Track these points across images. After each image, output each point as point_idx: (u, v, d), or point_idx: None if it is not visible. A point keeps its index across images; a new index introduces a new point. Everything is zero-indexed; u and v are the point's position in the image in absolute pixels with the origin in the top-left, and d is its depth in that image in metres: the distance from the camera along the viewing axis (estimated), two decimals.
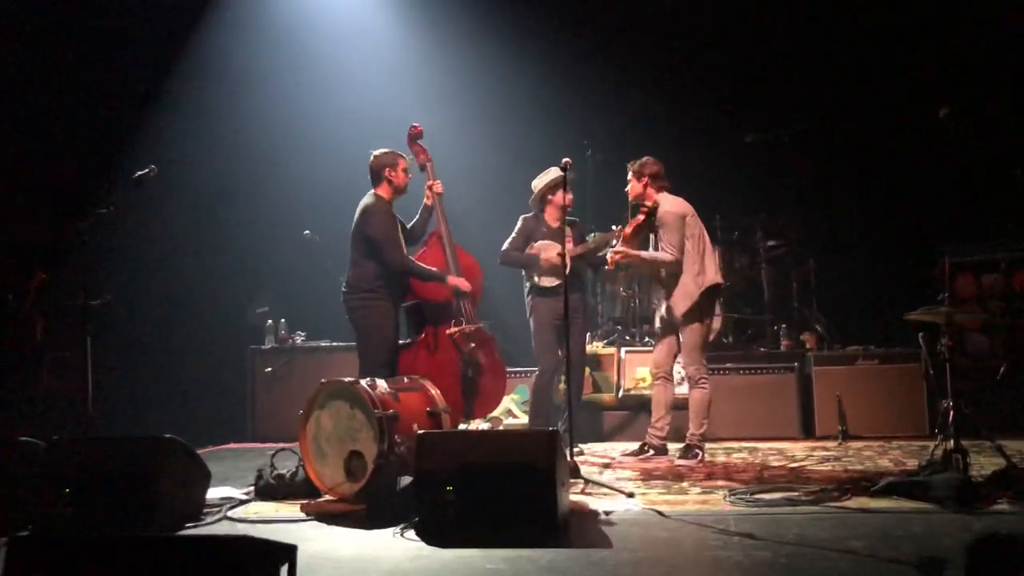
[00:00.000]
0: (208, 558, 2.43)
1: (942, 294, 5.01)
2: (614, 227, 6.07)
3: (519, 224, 6.27)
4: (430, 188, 5.89)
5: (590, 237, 6.41)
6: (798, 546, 3.58)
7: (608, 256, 5.80)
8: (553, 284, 6.05)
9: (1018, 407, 6.39)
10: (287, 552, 2.61)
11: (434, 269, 5.68)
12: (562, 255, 5.36)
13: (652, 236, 5.85)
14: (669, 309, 5.78)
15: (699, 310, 5.68)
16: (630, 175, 5.87)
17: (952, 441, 4.53)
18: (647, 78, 8.42)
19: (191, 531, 4.15)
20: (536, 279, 6.17)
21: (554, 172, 6.07)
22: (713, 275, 5.74)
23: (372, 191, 5.68)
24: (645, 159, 5.85)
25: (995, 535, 1.81)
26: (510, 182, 6.18)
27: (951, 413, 4.60)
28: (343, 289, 5.64)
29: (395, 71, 8.51)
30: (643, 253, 5.81)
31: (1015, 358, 6.61)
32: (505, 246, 6.22)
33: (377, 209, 5.58)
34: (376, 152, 5.70)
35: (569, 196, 5.91)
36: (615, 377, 7.27)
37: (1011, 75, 7.37)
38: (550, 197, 6.17)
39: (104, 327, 5.98)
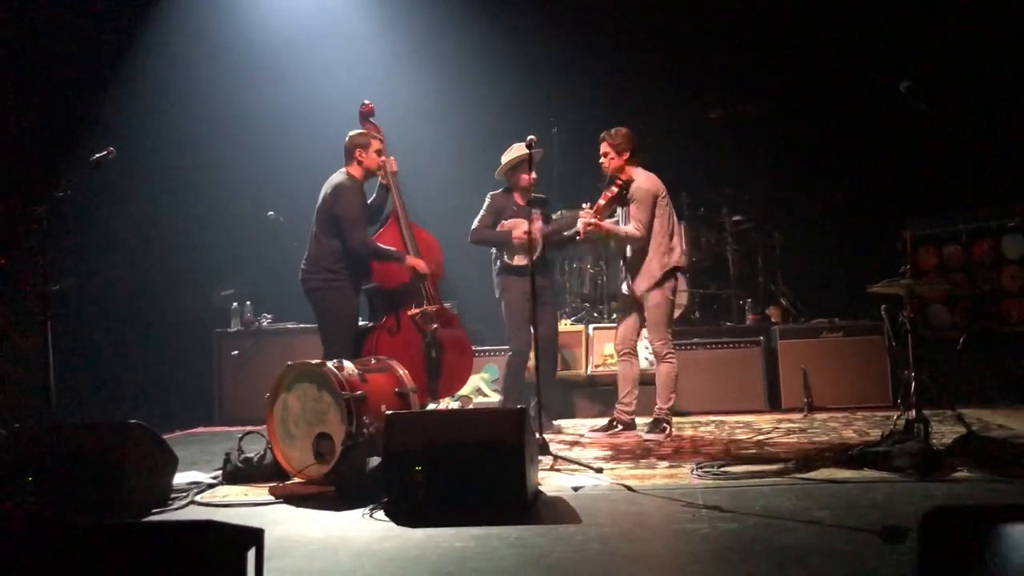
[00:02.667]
0: (171, 544, 2.40)
1: (904, 267, 5.06)
2: (584, 206, 6.06)
3: (487, 201, 6.18)
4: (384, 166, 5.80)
5: (556, 215, 6.39)
6: (764, 517, 3.62)
7: (579, 225, 5.79)
8: (525, 263, 5.96)
9: (978, 377, 6.51)
10: (254, 536, 2.58)
11: (393, 249, 5.63)
12: (528, 233, 5.34)
13: (621, 209, 5.86)
14: (631, 286, 5.80)
15: (662, 287, 5.71)
16: (606, 147, 5.80)
17: (914, 411, 4.60)
18: (612, 55, 8.41)
19: (157, 517, 4.11)
20: (507, 258, 6.10)
21: (519, 148, 6.03)
22: (678, 257, 5.76)
23: (343, 169, 5.62)
24: (622, 130, 5.79)
25: (946, 507, 1.83)
26: (473, 159, 6.14)
27: (913, 384, 4.67)
28: (302, 267, 5.57)
29: (356, 48, 8.43)
30: (612, 227, 5.81)
31: (975, 329, 6.72)
32: (475, 224, 6.13)
33: (348, 188, 5.51)
34: (352, 132, 5.65)
35: (533, 176, 5.89)
36: (583, 354, 7.29)
37: (970, 48, 7.44)
38: (514, 175, 6.12)
39: (65, 312, 5.89)
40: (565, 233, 6.19)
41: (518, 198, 6.15)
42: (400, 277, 5.65)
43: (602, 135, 5.83)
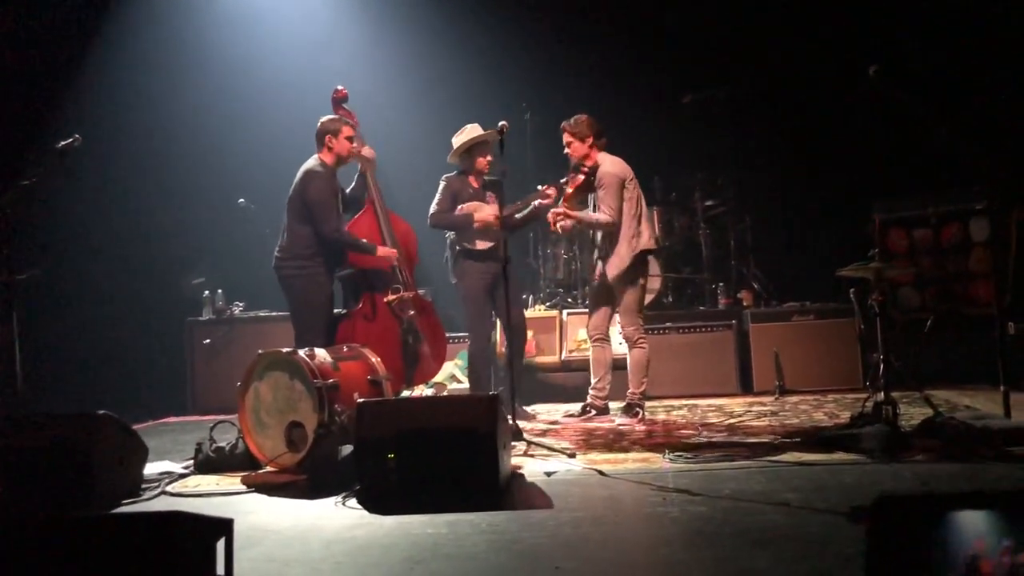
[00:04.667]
0: (141, 535, 2.38)
1: (873, 250, 5.11)
2: (539, 187, 6.05)
3: (442, 185, 6.04)
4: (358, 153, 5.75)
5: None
6: (734, 500, 3.65)
7: (549, 216, 5.79)
8: (486, 247, 5.93)
9: (945, 358, 6.59)
10: (223, 526, 2.57)
11: (364, 241, 5.59)
12: (498, 217, 5.33)
13: (591, 195, 5.87)
14: (604, 271, 5.82)
15: (633, 272, 5.74)
16: (567, 136, 5.78)
17: (883, 393, 4.65)
18: (584, 38, 8.39)
19: (128, 507, 4.08)
20: (467, 242, 6.00)
21: (472, 130, 5.96)
22: (648, 240, 5.79)
23: (315, 155, 5.58)
24: (582, 118, 5.78)
25: (895, 494, 1.86)
26: (446, 144, 6.09)
27: (881, 366, 4.72)
28: (276, 254, 5.53)
29: (326, 33, 8.37)
30: (582, 215, 5.83)
31: (943, 311, 6.80)
32: (433, 208, 5.99)
33: (317, 174, 5.47)
34: (324, 118, 5.61)
35: (488, 159, 5.87)
36: (557, 339, 7.31)
37: (936, 32, 7.50)
38: (470, 157, 6.00)
39: (33, 303, 5.81)
40: (517, 215, 6.11)
41: (472, 181, 6.07)
42: (376, 260, 5.62)
43: (562, 125, 5.81)
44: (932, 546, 1.80)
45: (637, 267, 5.75)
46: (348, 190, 5.81)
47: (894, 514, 1.77)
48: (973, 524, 1.82)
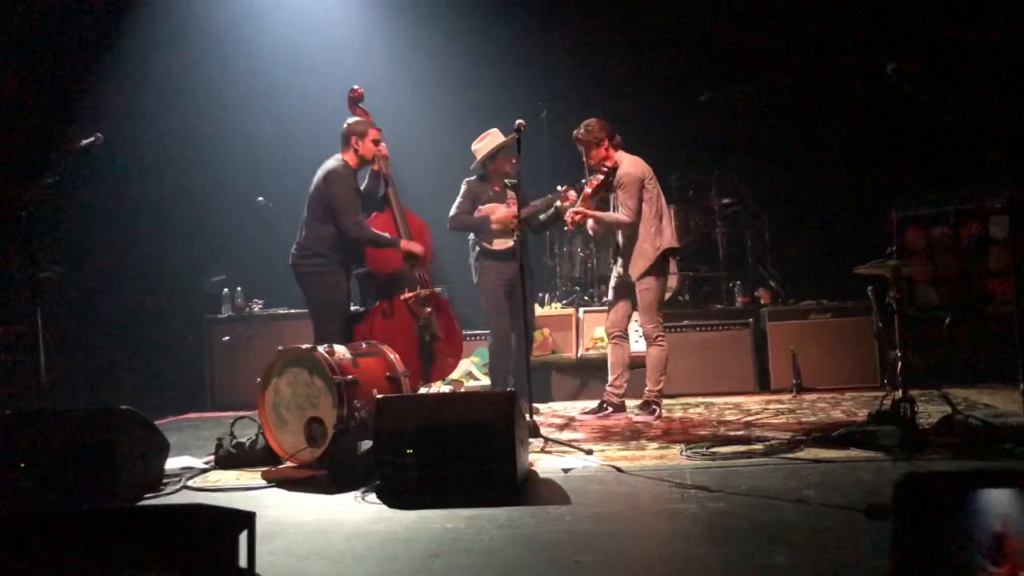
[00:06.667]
0: (164, 528, 2.42)
1: (890, 248, 5.09)
2: (559, 188, 6.07)
3: (463, 188, 6.19)
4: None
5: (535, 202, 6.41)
6: (752, 497, 3.66)
7: (567, 216, 5.80)
8: (505, 247, 6.03)
9: (963, 356, 6.56)
10: (246, 519, 2.60)
11: (388, 235, 5.64)
12: (517, 217, 5.37)
13: (612, 195, 5.88)
14: (625, 270, 5.82)
15: (655, 270, 5.74)
16: (582, 146, 5.75)
17: (900, 391, 4.64)
18: (601, 37, 8.39)
19: (150, 502, 4.13)
20: (486, 243, 6.12)
21: (495, 136, 6.06)
22: (670, 238, 5.79)
23: (338, 155, 5.62)
24: (591, 123, 5.74)
25: (921, 474, 1.87)
26: (462, 143, 6.14)
27: (899, 364, 4.71)
28: (293, 252, 5.57)
29: (344, 32, 8.39)
30: (601, 214, 5.83)
31: (961, 309, 6.77)
32: (453, 211, 6.15)
33: (340, 175, 5.51)
34: (350, 119, 5.65)
35: (513, 162, 5.90)
36: (573, 337, 7.33)
37: (956, 29, 7.45)
38: (495, 163, 6.11)
39: (56, 299, 5.89)
40: (541, 217, 6.19)
41: (494, 184, 6.16)
42: (393, 264, 5.66)
43: (574, 135, 5.78)
44: (958, 524, 1.81)
45: (659, 265, 5.75)
46: (362, 188, 5.84)
47: (921, 492, 1.78)
48: (999, 502, 1.83)
